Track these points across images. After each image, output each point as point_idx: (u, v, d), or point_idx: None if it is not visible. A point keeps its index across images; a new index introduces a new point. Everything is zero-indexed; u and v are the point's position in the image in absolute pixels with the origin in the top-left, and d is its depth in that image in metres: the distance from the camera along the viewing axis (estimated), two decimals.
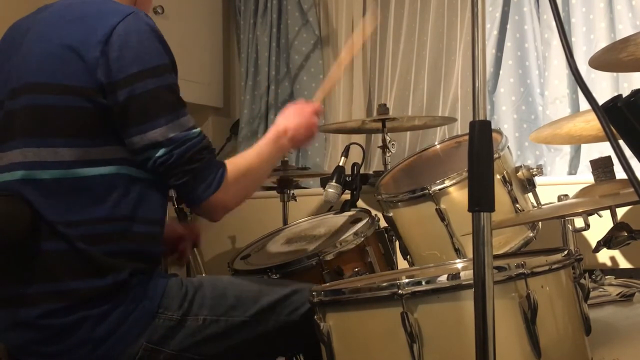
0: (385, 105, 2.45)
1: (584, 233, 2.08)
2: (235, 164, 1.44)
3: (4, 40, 1.49)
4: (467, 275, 1.13)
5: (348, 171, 2.09)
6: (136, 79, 1.29)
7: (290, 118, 1.59)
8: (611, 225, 1.51)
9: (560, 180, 2.68)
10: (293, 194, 2.69)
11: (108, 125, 1.32)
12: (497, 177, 1.76)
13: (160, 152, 1.31)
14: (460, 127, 3.04)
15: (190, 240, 1.79)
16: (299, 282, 1.49)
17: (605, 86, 2.72)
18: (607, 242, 1.48)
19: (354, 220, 1.91)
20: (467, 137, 0.95)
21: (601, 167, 1.78)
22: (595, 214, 1.77)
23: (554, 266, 1.22)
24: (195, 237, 1.80)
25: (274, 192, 2.69)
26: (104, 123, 1.32)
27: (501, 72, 3.01)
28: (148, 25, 1.34)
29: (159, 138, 1.31)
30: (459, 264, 1.58)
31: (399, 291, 1.13)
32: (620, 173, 1.75)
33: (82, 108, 1.30)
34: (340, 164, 2.08)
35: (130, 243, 1.35)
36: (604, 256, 2.54)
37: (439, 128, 3.14)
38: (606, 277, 2.17)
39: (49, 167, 1.30)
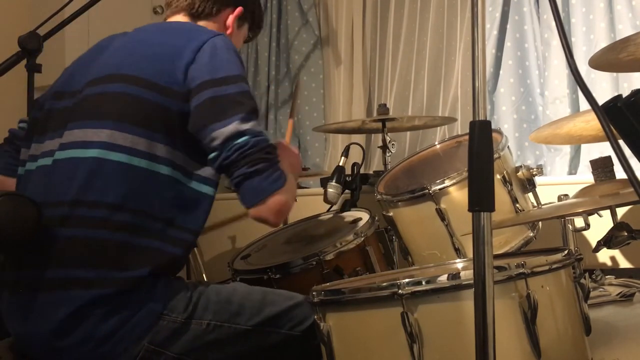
0: (385, 105, 2.45)
1: (584, 233, 2.09)
2: None
3: (96, 45, 1.60)
4: (467, 275, 1.12)
5: (348, 171, 2.09)
6: (221, 82, 1.40)
7: (287, 160, 1.63)
8: (611, 225, 1.51)
9: (560, 180, 2.68)
10: None
11: (181, 130, 1.40)
12: (497, 177, 1.76)
13: (241, 140, 1.36)
14: (460, 127, 3.04)
15: None
16: (303, 295, 1.47)
17: (605, 86, 2.72)
18: (607, 242, 1.48)
19: (354, 220, 1.91)
20: (467, 137, 0.95)
21: (601, 167, 1.78)
22: (595, 214, 1.77)
23: (554, 266, 1.22)
24: None
25: None
26: (179, 126, 1.40)
27: (501, 72, 3.01)
28: (233, 46, 1.50)
29: (240, 128, 1.37)
30: (459, 263, 1.58)
31: (399, 291, 1.13)
32: (620, 173, 1.75)
33: (163, 106, 1.39)
34: (340, 164, 2.08)
35: (162, 244, 1.37)
36: (604, 256, 2.54)
37: (439, 128, 3.14)
38: (606, 277, 2.16)
39: (119, 150, 1.36)
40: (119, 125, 1.37)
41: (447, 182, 1.77)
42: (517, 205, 1.79)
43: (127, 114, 1.38)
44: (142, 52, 1.47)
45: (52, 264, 1.33)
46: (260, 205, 1.37)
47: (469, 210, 0.93)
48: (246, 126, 1.37)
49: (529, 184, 1.85)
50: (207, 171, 1.43)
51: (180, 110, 1.39)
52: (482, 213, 0.92)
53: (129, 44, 1.51)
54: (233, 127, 1.36)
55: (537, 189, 1.89)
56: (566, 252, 1.27)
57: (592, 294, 1.88)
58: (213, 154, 1.38)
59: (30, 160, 1.49)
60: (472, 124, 0.94)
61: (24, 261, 1.37)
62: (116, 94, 1.40)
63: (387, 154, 2.40)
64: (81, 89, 1.46)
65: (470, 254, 1.69)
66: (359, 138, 3.13)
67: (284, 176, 1.40)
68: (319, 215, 2.15)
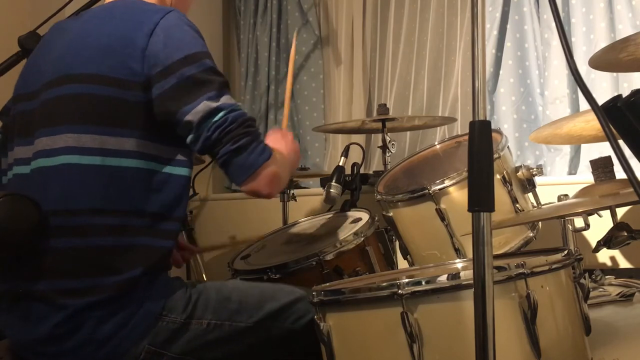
0: (385, 105, 2.45)
1: (584, 233, 2.08)
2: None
3: (44, 40, 1.55)
4: (467, 275, 1.12)
5: (348, 171, 2.09)
6: (183, 64, 1.36)
7: (280, 143, 1.63)
8: (611, 225, 1.51)
9: (560, 180, 2.68)
10: (293, 194, 2.70)
11: (148, 119, 1.36)
12: (497, 177, 1.76)
13: (217, 116, 1.34)
14: (460, 127, 3.04)
15: (189, 253, 1.85)
16: (303, 289, 1.48)
17: (605, 86, 2.72)
18: (607, 242, 1.48)
19: (354, 220, 1.91)
20: (467, 137, 0.95)
21: (601, 167, 1.78)
22: (595, 214, 1.77)
23: (554, 266, 1.22)
24: (189, 254, 1.86)
25: None
26: (145, 117, 1.36)
27: (501, 72, 3.01)
28: (186, 20, 1.43)
29: (212, 105, 1.35)
30: (459, 264, 1.58)
31: (399, 291, 1.13)
32: (620, 173, 1.75)
33: (124, 100, 1.35)
34: (340, 164, 2.08)
35: (150, 239, 1.36)
36: (604, 256, 2.54)
37: (439, 128, 3.14)
38: (606, 277, 2.17)
39: (88, 154, 1.33)
40: (84, 127, 1.34)
41: (447, 182, 1.77)
42: (517, 205, 1.79)
43: (90, 114, 1.35)
44: (94, 46, 1.39)
45: (45, 276, 1.32)
46: (251, 179, 1.38)
47: (469, 210, 0.93)
48: (218, 103, 1.35)
49: (529, 184, 1.85)
50: (180, 153, 1.41)
51: (143, 100, 1.35)
52: (482, 213, 0.92)
53: (78, 37, 1.43)
54: (204, 106, 1.34)
55: (537, 189, 1.89)
56: (566, 252, 1.27)
57: (592, 294, 1.88)
58: (191, 137, 1.36)
59: (8, 168, 1.48)
60: (472, 124, 0.94)
61: (16, 273, 1.36)
62: (75, 95, 1.36)
63: (387, 154, 2.40)
64: (38, 90, 1.43)
65: (470, 254, 1.69)
66: (359, 138, 3.13)
67: (268, 148, 1.40)
68: (319, 215, 2.15)
